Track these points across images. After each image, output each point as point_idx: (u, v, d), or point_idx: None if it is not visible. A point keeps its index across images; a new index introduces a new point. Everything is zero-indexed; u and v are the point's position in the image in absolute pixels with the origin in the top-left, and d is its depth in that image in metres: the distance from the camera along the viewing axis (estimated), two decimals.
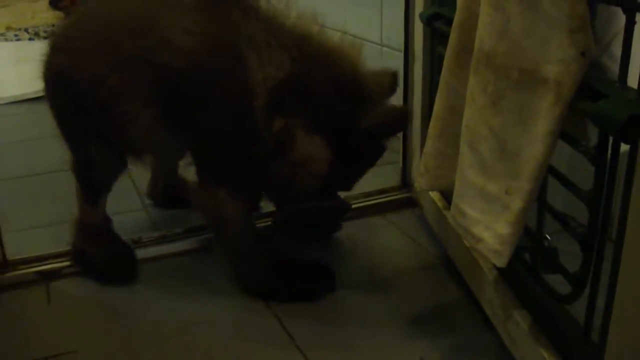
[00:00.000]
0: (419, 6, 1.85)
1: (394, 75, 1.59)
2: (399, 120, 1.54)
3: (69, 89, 1.62)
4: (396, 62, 1.99)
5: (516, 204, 1.13)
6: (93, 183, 1.77)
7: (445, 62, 1.34)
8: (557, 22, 1.02)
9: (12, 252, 1.81)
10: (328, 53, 1.49)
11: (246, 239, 1.67)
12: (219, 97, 1.48)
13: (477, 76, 1.16)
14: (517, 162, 1.12)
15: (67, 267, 1.80)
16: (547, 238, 1.32)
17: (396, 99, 1.98)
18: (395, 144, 2.08)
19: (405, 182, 2.11)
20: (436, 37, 1.77)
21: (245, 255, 1.69)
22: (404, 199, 2.09)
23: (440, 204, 1.77)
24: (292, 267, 1.71)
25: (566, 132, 1.10)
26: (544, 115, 1.06)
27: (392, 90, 1.58)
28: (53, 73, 1.67)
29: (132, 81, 1.54)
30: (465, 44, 1.26)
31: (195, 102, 1.51)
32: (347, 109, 1.47)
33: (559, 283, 1.26)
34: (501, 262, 1.17)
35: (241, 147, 1.52)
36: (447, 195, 1.77)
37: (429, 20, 1.73)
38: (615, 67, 1.05)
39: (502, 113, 1.12)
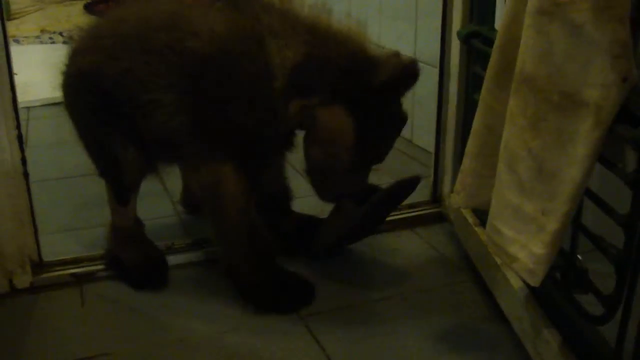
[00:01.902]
0: (456, 23, 1.86)
1: (396, 55, 1.61)
2: (409, 68, 1.57)
3: (97, 86, 1.66)
4: (430, 78, 2.01)
5: (552, 224, 1.14)
6: (121, 183, 1.79)
7: (485, 83, 1.35)
8: (600, 47, 1.03)
9: (48, 253, 1.84)
10: (337, 34, 1.59)
11: (242, 221, 1.67)
12: (240, 78, 1.57)
13: (517, 98, 1.18)
14: (554, 184, 1.13)
15: (101, 270, 1.83)
16: (579, 258, 1.34)
17: (430, 117, 2.01)
18: (426, 158, 2.10)
19: (436, 197, 2.12)
20: (473, 55, 1.79)
21: (238, 237, 1.69)
22: (434, 213, 2.10)
23: (471, 220, 1.78)
24: (279, 273, 1.74)
25: (604, 156, 1.12)
26: (584, 138, 1.07)
27: (404, 66, 1.59)
28: (79, 73, 1.71)
29: (158, 71, 1.61)
30: (506, 65, 1.28)
31: (217, 84, 1.58)
32: (361, 75, 1.55)
33: (590, 304, 1.27)
34: (535, 281, 1.19)
35: (256, 125, 1.59)
36: (478, 212, 1.78)
37: (466, 38, 1.74)
38: None
39: (541, 135, 1.14)
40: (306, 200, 1.95)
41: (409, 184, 1.80)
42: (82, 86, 1.71)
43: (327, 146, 1.61)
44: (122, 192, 1.81)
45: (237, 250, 1.70)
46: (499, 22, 1.72)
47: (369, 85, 1.54)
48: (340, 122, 1.58)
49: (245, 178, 1.63)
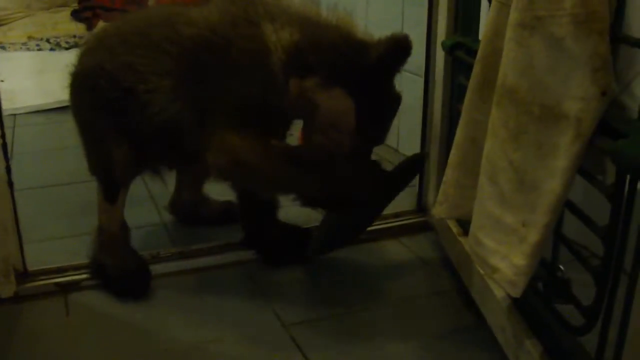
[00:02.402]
0: (440, 34, 1.88)
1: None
2: (402, 41, 1.60)
3: (97, 83, 1.73)
4: (415, 87, 2.02)
5: (533, 236, 1.15)
6: (112, 180, 1.82)
7: (468, 94, 1.36)
8: (580, 61, 1.05)
9: (32, 262, 1.84)
10: (328, 21, 1.67)
11: (280, 167, 1.66)
12: (238, 54, 1.63)
13: (499, 110, 1.19)
14: (535, 196, 1.14)
15: (86, 279, 1.83)
16: (560, 269, 1.35)
17: (415, 127, 2.02)
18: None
19: (421, 206, 2.13)
20: (457, 66, 1.80)
21: (297, 177, 1.68)
22: (419, 223, 2.11)
23: (455, 230, 1.79)
24: None
25: (584, 168, 1.13)
26: (564, 151, 1.08)
27: (397, 40, 1.61)
28: (84, 71, 1.79)
29: (155, 61, 1.69)
30: (488, 77, 1.29)
31: (216, 65, 1.64)
32: (356, 54, 1.59)
33: (571, 312, 1.29)
34: (516, 292, 1.20)
35: (259, 98, 1.63)
36: (462, 222, 1.79)
37: (451, 49, 1.76)
38: (634, 106, 1.08)
39: (522, 147, 1.15)
40: (291, 209, 1.95)
41: (416, 161, 1.86)
42: (84, 84, 1.78)
43: (330, 131, 1.64)
44: (112, 189, 1.83)
45: (303, 189, 1.70)
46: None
47: (366, 63, 1.58)
48: (341, 104, 1.61)
49: (256, 138, 1.64)
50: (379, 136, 1.72)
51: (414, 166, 1.88)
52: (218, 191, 2.07)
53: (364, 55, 1.59)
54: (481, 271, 1.54)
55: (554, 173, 1.10)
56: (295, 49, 1.60)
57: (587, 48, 1.04)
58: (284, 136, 1.83)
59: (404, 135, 2.69)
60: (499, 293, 1.50)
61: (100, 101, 1.74)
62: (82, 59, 1.82)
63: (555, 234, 1.29)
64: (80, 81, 1.80)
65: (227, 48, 1.63)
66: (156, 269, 1.87)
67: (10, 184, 1.72)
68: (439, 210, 1.47)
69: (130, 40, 1.73)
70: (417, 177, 2.11)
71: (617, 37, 1.07)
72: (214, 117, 1.66)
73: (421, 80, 2.03)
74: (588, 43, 1.04)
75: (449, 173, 1.43)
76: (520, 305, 1.45)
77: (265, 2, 1.70)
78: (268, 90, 1.63)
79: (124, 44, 1.73)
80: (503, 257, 1.20)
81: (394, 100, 1.70)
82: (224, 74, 1.64)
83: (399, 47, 1.60)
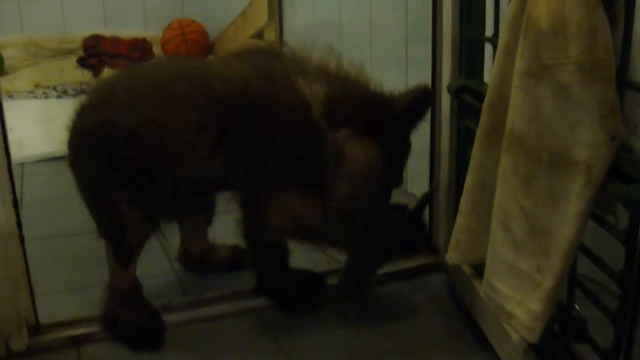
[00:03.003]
0: (445, 76, 1.89)
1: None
2: (425, 91, 1.70)
3: (107, 142, 1.66)
4: (422, 129, 2.02)
5: (548, 281, 1.15)
6: (125, 245, 1.78)
7: (476, 141, 1.37)
8: (588, 108, 1.05)
9: (44, 315, 1.83)
10: (349, 75, 1.72)
11: (336, 228, 1.72)
12: (282, 109, 1.64)
13: (508, 157, 1.20)
14: (548, 241, 1.14)
15: (99, 332, 1.82)
16: (576, 309, 1.34)
17: (423, 169, 2.02)
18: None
19: (432, 247, 2.13)
20: (463, 108, 1.81)
21: (355, 235, 1.75)
22: (430, 264, 2.10)
23: (468, 271, 1.79)
24: None
25: (596, 213, 1.13)
26: (575, 197, 1.09)
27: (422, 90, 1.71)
28: (90, 129, 1.70)
29: (186, 116, 1.64)
30: (496, 123, 1.30)
31: (260, 120, 1.64)
32: (382, 105, 1.68)
33: (589, 352, 1.28)
34: (533, 338, 1.19)
35: (307, 153, 1.66)
36: (474, 263, 1.79)
37: (456, 92, 1.77)
38: None
39: (533, 193, 1.15)
40: (301, 254, 1.95)
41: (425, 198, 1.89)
42: (92, 142, 1.70)
43: (357, 180, 1.66)
44: (124, 254, 1.79)
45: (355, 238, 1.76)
46: (487, 75, 1.74)
47: (391, 114, 1.66)
48: (371, 154, 1.65)
49: (316, 201, 1.68)
50: (398, 180, 1.79)
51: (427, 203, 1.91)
52: (223, 235, 2.07)
53: (389, 107, 1.66)
54: (497, 318, 1.53)
55: (566, 219, 1.10)
56: (330, 102, 1.64)
57: (595, 95, 1.05)
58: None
59: (412, 175, 2.69)
60: (515, 335, 1.49)
61: (112, 161, 1.67)
62: (85, 114, 1.73)
63: (570, 275, 1.28)
64: (86, 139, 1.72)
65: (268, 102, 1.63)
66: (168, 318, 1.86)
67: (22, 238, 1.73)
68: (451, 256, 1.48)
69: (147, 94, 1.67)
70: (427, 219, 2.11)
71: (624, 82, 1.08)
72: (268, 175, 1.67)
73: (426, 124, 2.03)
74: (595, 90, 1.05)
75: (460, 219, 1.43)
76: (537, 347, 1.44)
77: (290, 57, 1.73)
78: (315, 145, 1.64)
79: (140, 98, 1.67)
80: (519, 303, 1.20)
81: (409, 145, 1.76)
82: (273, 131, 1.64)
83: (422, 99, 1.68)
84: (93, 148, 1.70)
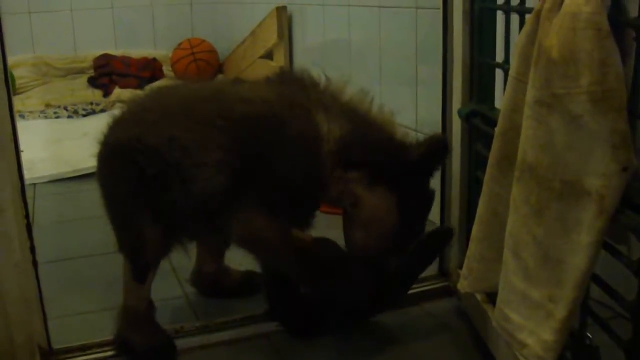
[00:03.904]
0: (456, 101, 1.89)
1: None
2: (441, 140, 1.73)
3: (134, 158, 1.69)
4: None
5: (560, 311, 1.15)
6: (142, 260, 1.80)
7: (488, 169, 1.37)
8: (599, 138, 1.06)
9: (56, 339, 1.83)
10: (376, 119, 1.74)
11: (290, 256, 1.74)
12: (291, 135, 1.66)
13: (520, 186, 1.20)
14: (560, 271, 1.14)
15: (111, 356, 1.82)
16: (588, 337, 1.34)
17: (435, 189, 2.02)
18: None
19: (443, 271, 2.12)
20: (474, 133, 1.81)
21: (306, 275, 1.77)
22: (441, 288, 2.09)
23: (479, 296, 1.78)
24: None
25: (608, 242, 1.13)
26: (587, 227, 1.09)
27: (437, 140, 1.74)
28: (118, 144, 1.74)
29: (203, 136, 1.67)
30: (508, 152, 1.30)
31: (267, 142, 1.66)
32: (399, 153, 1.69)
33: None
34: None
35: (303, 183, 1.67)
36: (487, 292, 1.78)
37: (467, 117, 1.77)
38: None
39: (545, 223, 1.15)
40: None
41: (442, 235, 1.88)
42: (119, 157, 1.74)
43: (372, 228, 1.70)
44: (141, 269, 1.81)
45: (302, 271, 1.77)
46: (498, 100, 1.75)
47: (407, 162, 1.67)
48: (385, 202, 1.68)
49: (281, 225, 1.70)
50: (417, 234, 1.78)
51: (438, 242, 1.89)
52: (239, 260, 2.07)
53: (405, 154, 1.68)
54: (509, 346, 1.52)
55: (579, 249, 1.10)
56: (344, 142, 1.66)
57: (606, 125, 1.05)
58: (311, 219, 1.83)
59: None
60: None
61: (136, 177, 1.70)
62: (115, 129, 1.78)
63: (582, 303, 1.28)
64: (114, 153, 1.76)
65: (282, 127, 1.66)
66: (180, 343, 1.85)
67: (35, 263, 1.74)
68: (463, 285, 1.47)
69: (172, 114, 1.71)
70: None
71: (635, 112, 1.08)
72: (250, 192, 1.68)
73: None
74: (606, 120, 1.05)
75: (473, 247, 1.43)
76: None
77: (318, 88, 1.74)
78: (312, 177, 1.67)
79: (165, 117, 1.71)
80: (531, 333, 1.20)
81: (430, 196, 1.77)
82: (273, 151, 1.66)
83: (438, 148, 1.70)
84: (120, 163, 1.74)
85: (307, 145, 1.66)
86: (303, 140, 1.66)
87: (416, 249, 1.79)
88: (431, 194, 1.78)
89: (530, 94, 1.17)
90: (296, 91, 1.73)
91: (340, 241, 1.79)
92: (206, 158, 1.67)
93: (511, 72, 1.30)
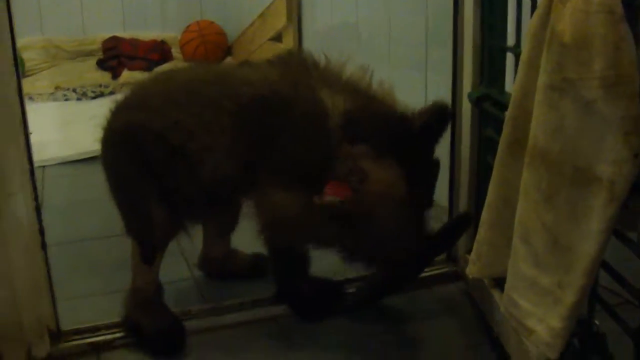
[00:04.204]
0: (466, 84, 1.88)
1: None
2: (443, 108, 1.71)
3: (139, 142, 1.72)
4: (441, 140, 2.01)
5: (569, 297, 1.14)
6: (150, 242, 1.81)
7: (498, 154, 1.36)
8: (611, 124, 1.05)
9: (65, 321, 1.84)
10: (376, 93, 1.75)
11: (321, 224, 1.74)
12: (297, 114, 1.68)
13: (531, 172, 1.19)
14: (570, 257, 1.13)
15: (119, 338, 1.83)
16: (596, 324, 1.33)
17: (443, 175, 2.02)
18: (441, 212, 2.11)
19: (451, 256, 2.12)
20: (484, 117, 1.80)
21: (338, 233, 1.76)
22: (449, 272, 2.10)
23: (486, 281, 1.78)
24: None
25: (618, 229, 1.12)
26: (598, 213, 1.08)
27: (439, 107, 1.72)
28: (123, 129, 1.76)
29: (209, 119, 1.69)
30: (519, 137, 1.29)
31: (275, 124, 1.68)
32: (401, 124, 1.69)
33: None
34: (553, 354, 1.18)
35: (314, 160, 1.70)
36: (495, 277, 1.77)
37: (477, 101, 1.76)
38: None
39: (555, 209, 1.14)
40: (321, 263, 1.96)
41: (461, 222, 1.90)
42: (125, 141, 1.76)
43: (382, 200, 1.70)
44: (149, 251, 1.82)
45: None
46: (509, 85, 1.74)
47: (411, 132, 1.67)
48: (393, 174, 1.68)
49: (298, 195, 1.71)
50: (429, 201, 1.79)
51: (459, 226, 1.90)
52: (246, 243, 2.08)
53: (409, 125, 1.68)
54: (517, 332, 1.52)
55: (589, 235, 1.09)
56: (350, 116, 1.67)
57: (618, 111, 1.04)
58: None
59: None
60: (534, 349, 1.48)
61: (143, 160, 1.72)
62: (119, 114, 1.79)
63: (591, 290, 1.27)
64: (119, 139, 1.77)
65: (288, 108, 1.67)
66: (188, 325, 1.86)
67: (44, 245, 1.74)
68: (472, 270, 1.47)
69: (177, 99, 1.73)
70: None
71: None
72: (264, 172, 1.71)
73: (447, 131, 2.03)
74: (618, 106, 1.04)
75: (482, 232, 1.42)
76: None
77: (319, 67, 1.75)
78: (321, 153, 1.68)
79: (170, 102, 1.73)
80: (539, 320, 1.19)
81: (435, 165, 1.78)
82: (282, 132, 1.67)
83: (441, 114, 1.70)
84: (125, 147, 1.76)
85: (313, 122, 1.68)
86: (309, 117, 1.68)
87: (437, 233, 1.83)
88: (437, 162, 1.78)
89: (541, 79, 1.15)
90: (298, 71, 1.75)
91: None
92: (213, 142, 1.69)
93: (523, 56, 1.28)
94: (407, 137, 1.68)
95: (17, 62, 1.61)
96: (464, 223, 1.90)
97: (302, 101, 1.69)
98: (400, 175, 1.68)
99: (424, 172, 1.74)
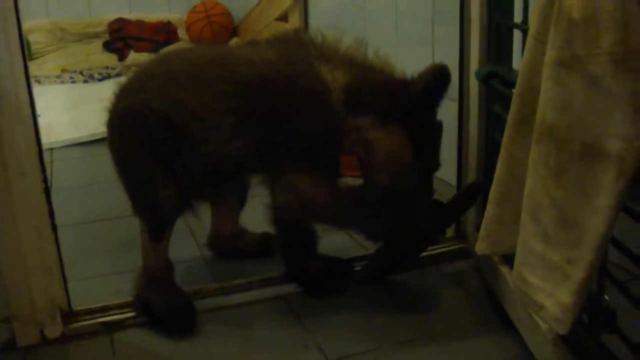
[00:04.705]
0: (473, 61, 1.88)
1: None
2: (441, 68, 1.70)
3: (144, 123, 1.74)
4: (449, 111, 2.00)
5: (578, 273, 1.15)
6: (158, 220, 1.83)
7: (507, 131, 1.36)
8: (620, 100, 1.04)
9: (77, 301, 1.86)
10: (373, 64, 1.78)
11: (345, 207, 1.79)
12: (300, 93, 1.70)
13: (539, 148, 1.19)
14: (579, 233, 1.14)
15: (130, 318, 1.84)
16: (605, 299, 1.34)
17: (451, 152, 2.02)
18: (449, 191, 2.11)
19: (460, 232, 2.12)
20: (492, 94, 1.80)
21: (363, 216, 1.79)
22: (458, 249, 2.10)
23: (495, 258, 1.78)
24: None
25: (627, 205, 1.13)
26: (607, 189, 1.08)
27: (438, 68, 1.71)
28: (128, 110, 1.78)
29: (211, 99, 1.71)
30: (526, 114, 1.29)
31: (280, 103, 1.71)
32: (402, 89, 1.72)
33: (619, 341, 1.28)
34: (563, 330, 1.19)
35: (320, 136, 1.72)
36: (504, 254, 1.78)
37: (485, 79, 1.76)
38: None
39: (564, 185, 1.15)
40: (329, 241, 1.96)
41: (472, 190, 1.92)
42: (129, 123, 1.78)
43: (390, 167, 1.72)
44: (157, 228, 1.84)
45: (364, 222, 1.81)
46: (516, 62, 1.73)
47: (412, 95, 1.69)
48: (397, 138, 1.71)
49: (325, 180, 1.76)
50: (436, 163, 1.81)
51: (470, 196, 1.92)
52: (254, 222, 2.09)
53: (409, 89, 1.70)
54: (526, 308, 1.53)
55: (598, 211, 1.10)
56: (351, 88, 1.70)
57: (627, 87, 1.04)
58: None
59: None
60: (543, 324, 1.49)
61: (148, 141, 1.74)
62: (124, 96, 1.81)
63: (600, 266, 1.28)
64: (124, 120, 1.79)
65: (289, 86, 1.69)
66: (199, 304, 1.88)
67: (54, 227, 1.75)
68: (481, 247, 1.47)
69: (179, 79, 1.74)
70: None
71: None
72: (281, 156, 1.73)
73: (455, 104, 2.02)
74: (627, 82, 1.04)
75: (490, 209, 1.42)
76: (566, 337, 1.43)
77: (317, 43, 1.77)
78: (331, 129, 1.70)
79: (172, 82, 1.74)
80: (549, 295, 1.20)
81: (439, 127, 1.79)
82: (289, 112, 1.70)
83: (439, 77, 1.69)
84: (130, 128, 1.78)
85: (316, 98, 1.70)
86: (311, 94, 1.70)
87: (450, 204, 1.87)
88: (440, 124, 1.80)
89: (549, 55, 1.15)
90: (296, 49, 1.77)
91: None
92: (217, 122, 1.70)
93: (530, 32, 1.28)
94: (409, 101, 1.70)
95: (24, 45, 1.61)
96: (474, 191, 1.92)
97: (303, 79, 1.71)
98: (406, 139, 1.71)
99: (429, 134, 1.77)
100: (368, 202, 1.75)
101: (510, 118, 1.34)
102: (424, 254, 2.02)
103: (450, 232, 2.13)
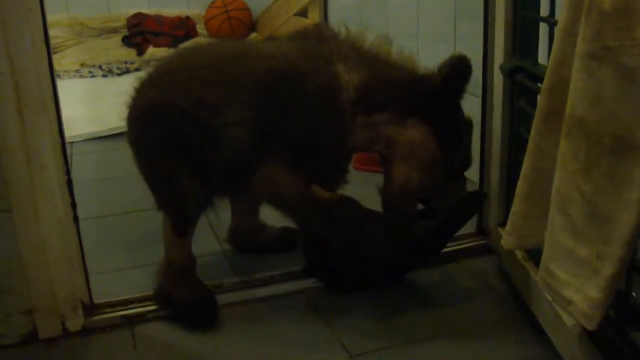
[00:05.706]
0: (497, 56, 1.86)
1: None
2: (461, 59, 1.71)
3: (167, 118, 1.73)
4: (473, 107, 1.98)
5: (607, 269, 1.13)
6: (183, 214, 1.82)
7: (534, 124, 1.35)
8: None
9: (98, 294, 1.86)
10: (396, 61, 1.77)
11: (311, 213, 1.78)
12: (311, 89, 1.69)
13: (569, 141, 1.17)
14: (609, 228, 1.12)
15: (151, 311, 1.84)
16: (633, 296, 1.32)
17: (474, 149, 2.00)
18: (471, 187, 2.09)
19: (482, 228, 2.11)
20: (517, 89, 1.78)
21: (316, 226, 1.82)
22: (480, 246, 2.08)
23: (519, 254, 1.77)
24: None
25: None
26: (638, 183, 1.06)
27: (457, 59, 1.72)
28: (150, 106, 1.77)
29: (230, 95, 1.70)
30: (555, 107, 1.27)
31: (290, 97, 1.70)
32: (422, 84, 1.72)
33: None
34: (591, 325, 1.17)
35: (325, 133, 1.71)
36: (530, 248, 1.76)
37: (510, 73, 1.74)
38: None
39: (594, 179, 1.13)
40: None
41: (474, 198, 1.89)
42: (151, 119, 1.76)
43: (413, 161, 1.73)
44: (183, 224, 1.83)
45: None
46: (542, 56, 1.71)
47: (432, 88, 1.69)
48: (420, 133, 1.71)
49: (302, 180, 1.73)
50: (466, 159, 1.82)
51: (471, 205, 1.88)
52: (274, 217, 2.08)
53: (428, 83, 1.70)
54: (554, 304, 1.51)
55: (629, 205, 1.08)
56: (364, 89, 1.69)
57: None
58: (342, 173, 1.84)
59: None
60: (569, 321, 1.48)
61: (172, 136, 1.73)
62: (145, 92, 1.79)
63: (629, 262, 1.26)
64: (145, 116, 1.78)
65: (302, 82, 1.69)
66: (220, 299, 1.87)
67: (76, 219, 1.75)
68: (508, 242, 1.45)
69: (201, 76, 1.73)
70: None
71: None
72: (273, 145, 1.71)
73: (478, 100, 2.00)
74: None
75: (517, 204, 1.41)
76: (592, 334, 1.42)
77: (338, 40, 1.76)
78: (333, 127, 1.69)
79: (194, 78, 1.73)
80: (577, 290, 1.18)
81: (467, 123, 1.79)
82: (294, 106, 1.69)
83: (460, 66, 1.69)
84: (152, 124, 1.77)
85: (324, 95, 1.69)
86: (320, 90, 1.69)
87: (448, 212, 1.81)
88: (469, 121, 1.80)
89: (580, 47, 1.13)
90: (316, 44, 1.76)
91: (375, 199, 1.82)
92: (238, 118, 1.70)
93: (559, 25, 1.26)
94: (429, 95, 1.70)
95: (49, 38, 1.61)
96: (476, 200, 1.91)
97: (316, 76, 1.70)
98: (429, 133, 1.71)
99: (454, 128, 1.76)
100: (336, 218, 1.75)
101: (539, 112, 1.33)
102: (446, 249, 2.01)
103: (471, 227, 2.11)
